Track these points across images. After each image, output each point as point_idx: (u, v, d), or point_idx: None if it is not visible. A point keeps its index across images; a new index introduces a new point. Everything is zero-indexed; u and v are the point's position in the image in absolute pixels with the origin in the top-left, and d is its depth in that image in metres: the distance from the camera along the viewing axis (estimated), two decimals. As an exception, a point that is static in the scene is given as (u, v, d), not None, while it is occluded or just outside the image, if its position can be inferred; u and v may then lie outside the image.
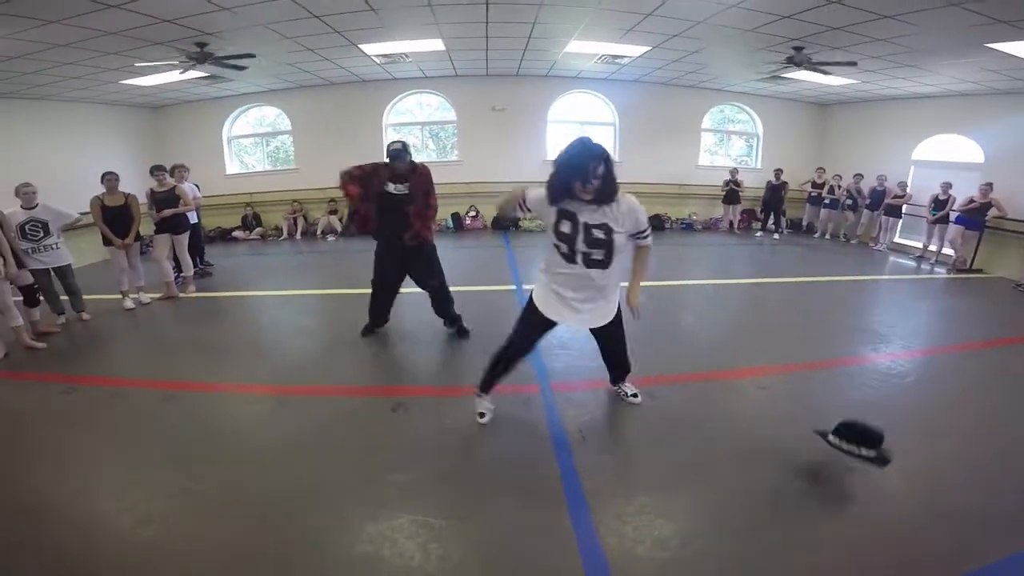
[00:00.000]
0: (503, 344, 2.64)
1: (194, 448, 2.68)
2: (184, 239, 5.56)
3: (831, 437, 2.39)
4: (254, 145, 10.28)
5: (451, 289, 4.06)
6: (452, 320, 4.15)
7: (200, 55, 5.80)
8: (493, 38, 6.56)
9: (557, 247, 2.37)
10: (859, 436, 2.32)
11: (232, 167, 9.90)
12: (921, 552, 1.92)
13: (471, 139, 9.55)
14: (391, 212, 3.75)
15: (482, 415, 2.79)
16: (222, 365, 3.81)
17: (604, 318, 2.54)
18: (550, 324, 2.52)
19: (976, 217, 7.02)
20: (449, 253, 7.76)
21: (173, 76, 6.88)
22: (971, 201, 7.05)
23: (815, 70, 6.41)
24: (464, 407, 2.93)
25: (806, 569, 1.85)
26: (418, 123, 10.05)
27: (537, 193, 2.35)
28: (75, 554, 1.93)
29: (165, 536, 2.02)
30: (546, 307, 2.48)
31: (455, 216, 9.53)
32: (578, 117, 9.93)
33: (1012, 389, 3.36)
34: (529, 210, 2.41)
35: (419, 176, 3.77)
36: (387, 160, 3.73)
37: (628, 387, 3.06)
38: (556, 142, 9.80)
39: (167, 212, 5.32)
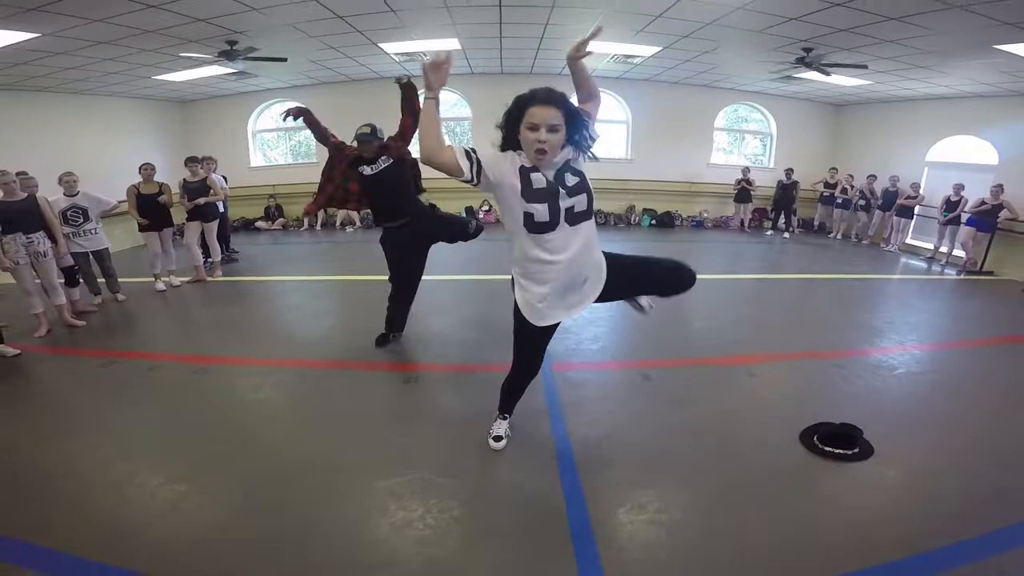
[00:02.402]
0: (511, 373, 2.38)
1: (223, 415, 2.96)
2: (214, 227, 5.90)
3: (816, 442, 2.53)
4: (277, 139, 10.63)
5: (462, 278, 4.17)
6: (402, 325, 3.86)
7: (231, 52, 6.11)
8: (507, 38, 6.76)
9: (531, 221, 1.90)
10: (840, 438, 2.49)
11: (256, 160, 10.28)
12: (884, 534, 1.99)
13: (485, 135, 9.67)
14: (381, 192, 3.49)
15: (498, 439, 2.54)
16: (248, 342, 4.10)
17: (600, 279, 2.10)
18: (553, 329, 2.20)
19: (987, 219, 7.03)
20: (463, 244, 8.07)
21: (203, 72, 7.23)
22: (982, 203, 7.05)
23: (824, 72, 6.48)
24: (471, 382, 3.19)
25: (766, 546, 1.95)
26: (435, 119, 10.28)
27: (490, 153, 1.92)
28: (110, 509, 2.16)
29: (194, 491, 2.27)
30: (544, 318, 2.07)
31: (469, 209, 9.77)
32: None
33: (999, 384, 3.46)
34: (477, 181, 1.89)
35: (393, 144, 3.50)
36: (353, 145, 3.51)
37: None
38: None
39: (201, 200, 5.66)
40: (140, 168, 5.22)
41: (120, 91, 7.96)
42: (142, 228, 5.30)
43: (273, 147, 10.68)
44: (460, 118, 10.16)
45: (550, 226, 1.91)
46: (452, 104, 10.10)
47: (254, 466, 2.45)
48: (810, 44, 5.89)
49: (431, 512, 2.10)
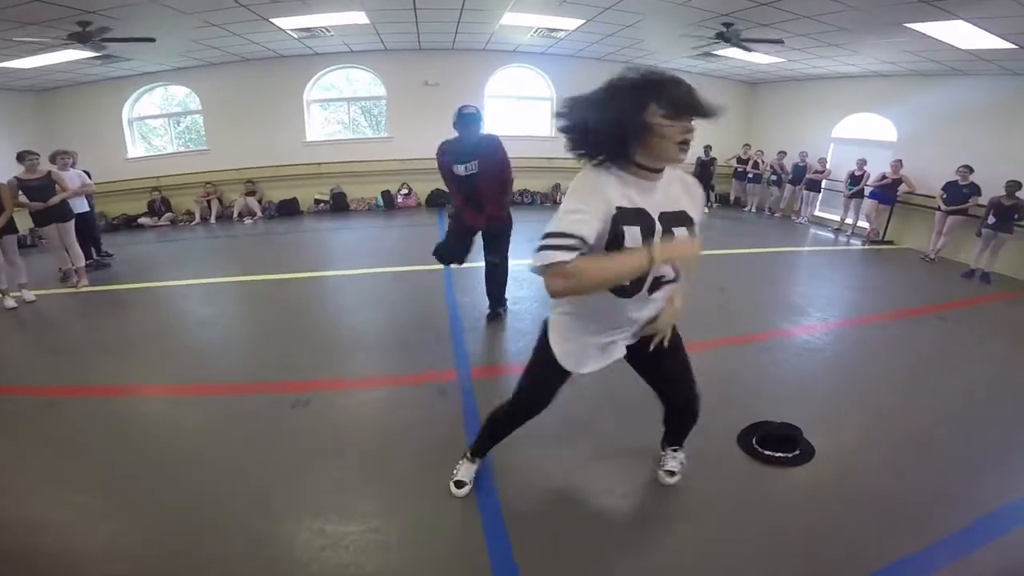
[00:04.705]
0: (506, 403, 1.92)
1: (77, 457, 2.41)
2: (70, 227, 4.97)
3: (755, 446, 2.36)
4: (163, 126, 9.41)
5: (384, 270, 3.82)
6: (497, 302, 3.89)
7: (83, 35, 5.15)
8: (423, 10, 6.20)
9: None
10: (780, 440, 2.33)
11: (135, 150, 9.01)
12: (836, 554, 1.84)
13: (403, 115, 9.09)
14: (463, 194, 3.43)
15: (460, 484, 2.09)
16: (114, 366, 3.44)
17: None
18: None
19: (888, 192, 7.42)
20: (380, 232, 7.53)
21: (57, 57, 6.13)
22: (883, 177, 7.43)
23: (744, 47, 6.47)
24: (367, 399, 2.86)
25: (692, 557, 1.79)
26: (344, 99, 9.52)
27: (578, 214, 1.40)
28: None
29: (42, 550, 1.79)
30: (580, 365, 1.69)
31: (386, 194, 9.12)
32: (516, 92, 9.72)
33: (912, 359, 3.56)
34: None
35: (487, 148, 3.37)
36: (454, 132, 3.33)
37: (677, 457, 2.18)
38: (495, 117, 9.53)
39: (39, 204, 4.74)
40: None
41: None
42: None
43: (160, 135, 9.45)
44: (373, 97, 9.44)
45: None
46: (366, 82, 9.36)
47: (113, 516, 2.00)
48: (730, 19, 5.82)
49: (326, 568, 1.72)
